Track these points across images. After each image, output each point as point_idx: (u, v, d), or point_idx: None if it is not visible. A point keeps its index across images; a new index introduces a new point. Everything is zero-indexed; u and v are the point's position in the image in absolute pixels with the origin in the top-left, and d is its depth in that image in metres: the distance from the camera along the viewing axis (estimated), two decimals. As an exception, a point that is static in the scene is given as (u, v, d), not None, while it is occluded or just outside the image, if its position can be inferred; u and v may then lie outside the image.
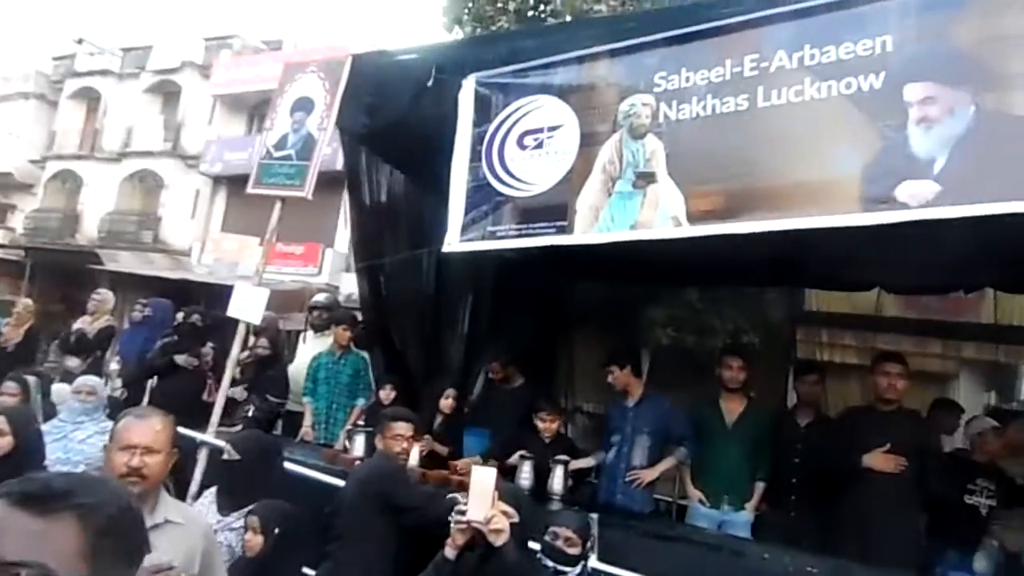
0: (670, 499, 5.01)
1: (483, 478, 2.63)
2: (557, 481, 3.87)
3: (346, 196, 5.48)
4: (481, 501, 2.58)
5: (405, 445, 3.55)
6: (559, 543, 2.77)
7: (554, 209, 3.62)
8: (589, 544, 2.88)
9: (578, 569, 2.78)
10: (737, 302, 8.93)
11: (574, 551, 2.76)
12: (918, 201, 2.80)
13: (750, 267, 6.01)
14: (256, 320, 4.36)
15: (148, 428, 2.10)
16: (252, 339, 5.47)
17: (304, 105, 4.45)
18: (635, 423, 4.25)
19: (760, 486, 4.11)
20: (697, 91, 3.33)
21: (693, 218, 3.26)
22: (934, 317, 7.56)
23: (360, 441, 4.28)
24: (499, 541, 2.55)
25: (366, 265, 5.32)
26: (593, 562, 3.07)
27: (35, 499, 1.00)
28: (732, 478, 4.15)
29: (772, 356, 7.80)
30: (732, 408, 4.21)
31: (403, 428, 3.56)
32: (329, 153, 4.62)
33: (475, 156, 3.89)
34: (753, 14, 3.26)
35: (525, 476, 3.92)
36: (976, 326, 7.14)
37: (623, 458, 4.23)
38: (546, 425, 4.28)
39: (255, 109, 20.38)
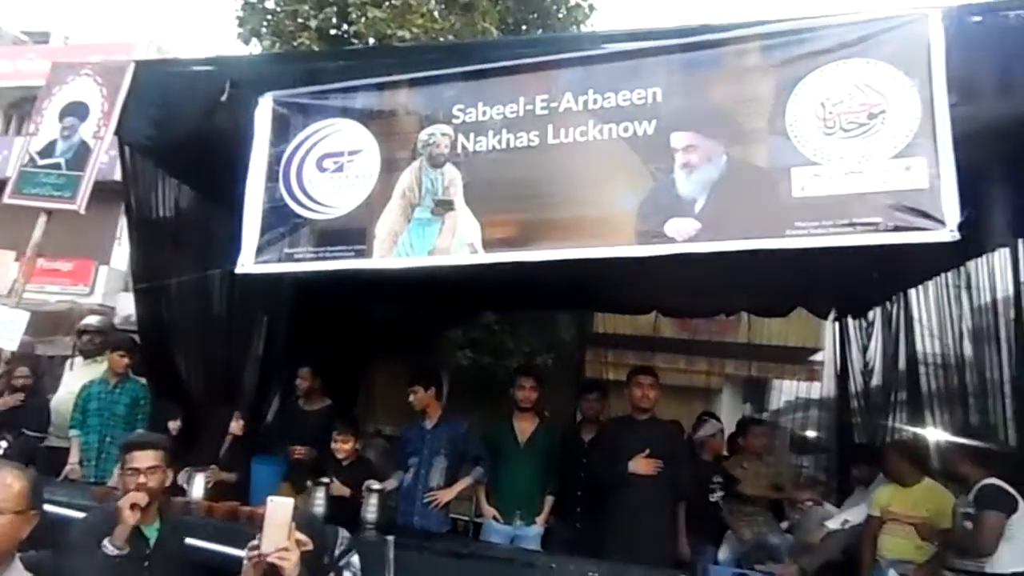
0: (467, 518, 5.12)
1: (278, 509, 2.54)
2: (370, 510, 3.82)
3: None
4: (275, 533, 2.50)
5: (143, 480, 2.81)
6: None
7: (353, 233, 3.62)
8: (337, 553, 2.87)
9: None
10: (532, 325, 9.38)
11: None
12: (683, 236, 3.15)
13: (544, 292, 6.38)
14: (12, 346, 3.89)
15: None
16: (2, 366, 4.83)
17: (76, 110, 4.07)
18: (432, 445, 4.32)
19: (549, 500, 4.34)
20: (493, 125, 3.51)
21: (488, 245, 3.42)
22: (701, 338, 8.46)
23: (199, 481, 3.95)
24: (294, 573, 2.48)
25: (147, 287, 4.93)
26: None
27: None
28: (524, 494, 4.35)
29: (564, 376, 8.28)
30: (524, 427, 4.42)
31: (142, 459, 2.84)
32: (106, 162, 4.26)
33: (272, 176, 3.79)
34: (544, 57, 3.51)
35: (319, 502, 3.83)
36: (735, 345, 8.10)
37: (420, 480, 4.28)
38: (338, 446, 4.24)
39: (13, 108, 18.14)
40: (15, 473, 1.94)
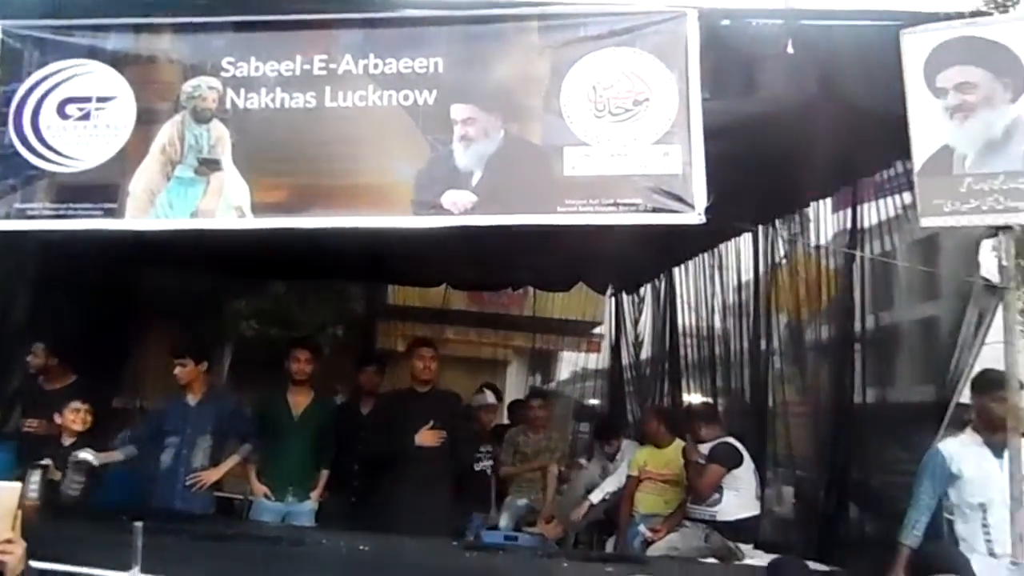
0: (241, 497, 4.86)
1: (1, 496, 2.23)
2: (72, 486, 3.48)
3: None
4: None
5: None
6: None
7: (102, 189, 3.25)
8: None
9: None
10: (322, 296, 9.10)
11: None
12: (459, 209, 3.16)
13: (335, 262, 6.19)
14: None
15: None
16: None
17: None
18: (196, 423, 4.02)
19: (324, 475, 4.23)
20: (266, 82, 3.29)
21: (258, 209, 3.22)
22: (490, 311, 8.69)
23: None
24: (19, 568, 2.20)
25: None
26: (136, 575, 2.85)
27: None
28: (297, 470, 4.19)
29: (356, 349, 8.13)
30: (299, 401, 4.25)
31: None
32: None
33: (0, 119, 3.29)
34: (324, 15, 3.34)
35: (32, 486, 3.39)
36: (522, 318, 8.41)
37: (182, 461, 3.96)
38: (67, 420, 3.84)
39: None
40: None
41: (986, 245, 3.29)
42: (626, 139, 3.13)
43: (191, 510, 3.91)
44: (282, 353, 4.46)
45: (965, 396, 3.44)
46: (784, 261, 4.99)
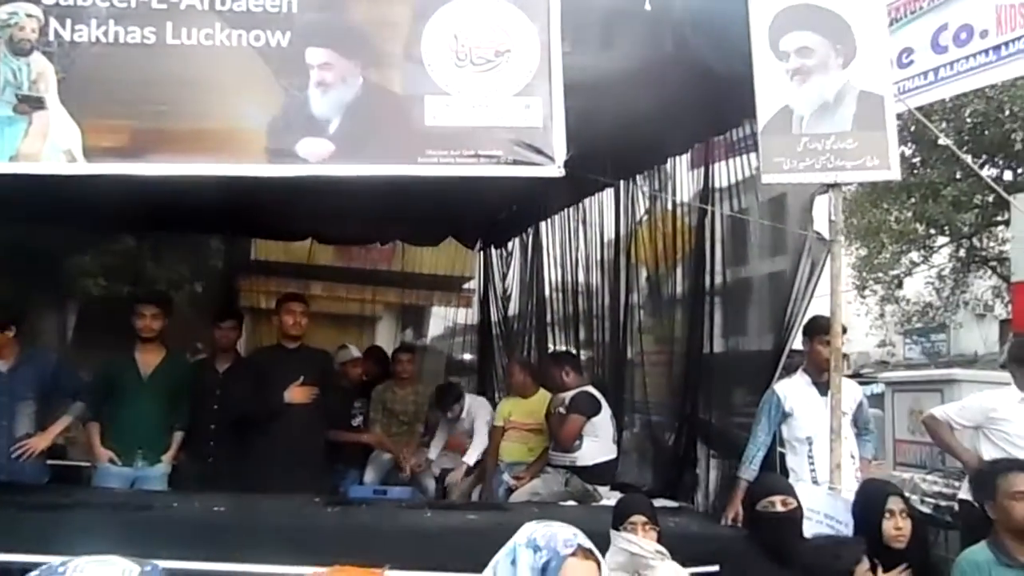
0: (87, 463, 4.56)
1: None
2: None
3: None
4: None
5: None
6: None
7: None
8: None
9: None
10: (180, 250, 8.60)
11: None
12: (316, 158, 3.04)
13: (192, 214, 5.84)
14: None
15: None
16: None
17: None
18: (14, 390, 3.70)
19: (177, 436, 4.03)
20: (97, 13, 3.00)
21: (91, 154, 2.96)
22: (358, 266, 8.51)
23: None
24: None
25: None
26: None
27: None
28: (148, 433, 3.96)
29: (217, 305, 7.75)
30: (148, 360, 4.00)
31: None
32: None
33: None
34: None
35: None
36: (392, 273, 8.29)
37: (2, 432, 3.65)
38: None
39: None
40: None
41: (819, 201, 3.54)
42: (487, 90, 3.10)
43: (22, 480, 3.62)
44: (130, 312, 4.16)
45: (799, 342, 3.73)
46: (645, 216, 5.18)
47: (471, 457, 4.84)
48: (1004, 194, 7.81)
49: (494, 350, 7.37)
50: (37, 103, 2.94)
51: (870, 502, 2.72)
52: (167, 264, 8.44)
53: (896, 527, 2.60)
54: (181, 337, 6.60)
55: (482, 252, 7.49)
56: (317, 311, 7.87)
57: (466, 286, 9.58)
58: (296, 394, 3.91)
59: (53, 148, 2.94)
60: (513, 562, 1.51)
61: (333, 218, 6.10)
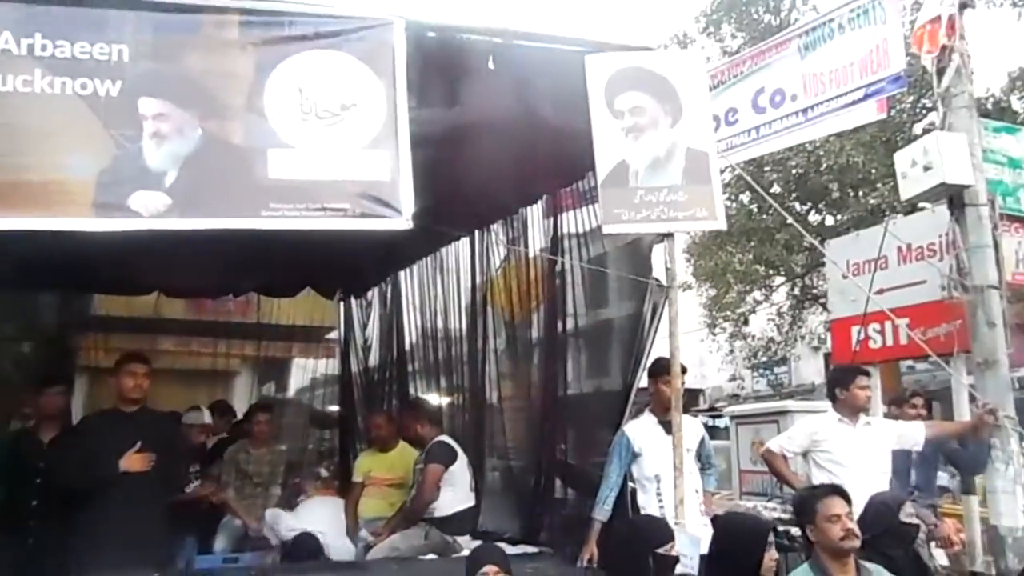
0: None
1: None
2: None
3: None
4: None
5: None
6: None
7: None
8: None
9: None
10: (7, 306, 7.85)
11: None
12: (150, 211, 2.90)
13: (22, 267, 5.36)
14: None
15: None
16: None
17: None
18: None
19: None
20: (-103, 55, 2.75)
21: None
22: (210, 318, 8.12)
23: None
24: None
25: None
26: None
27: None
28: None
29: (52, 366, 7.11)
30: (-43, 431, 3.63)
31: None
32: None
33: None
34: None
35: None
36: (248, 326, 7.96)
37: None
38: None
39: None
40: None
41: (657, 250, 3.77)
42: (333, 143, 3.10)
43: None
44: None
45: (644, 382, 3.91)
46: (502, 264, 5.29)
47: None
48: (815, 243, 8.62)
49: (355, 402, 7.22)
50: None
51: (754, 535, 2.69)
52: (-9, 324, 7.69)
53: (772, 558, 2.68)
54: (4, 404, 6.01)
55: (342, 302, 7.37)
56: (166, 367, 7.42)
57: (328, 336, 9.36)
58: (132, 462, 3.62)
59: None
60: None
61: (181, 270, 5.81)
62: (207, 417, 5.09)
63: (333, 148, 3.10)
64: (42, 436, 3.97)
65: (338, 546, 4.26)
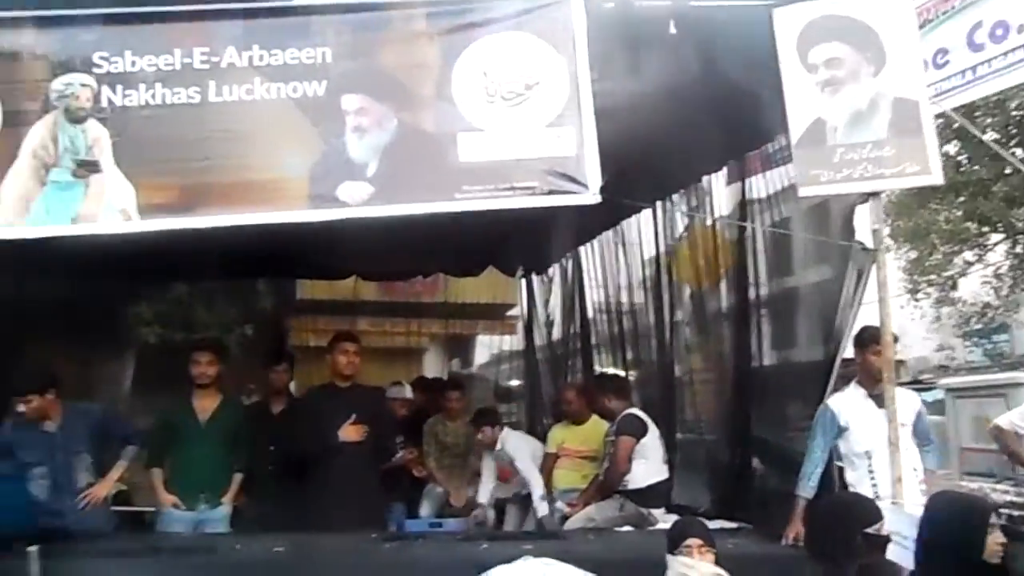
0: (150, 508, 4.69)
1: None
2: None
3: None
4: None
5: None
6: None
7: (-33, 197, 3.04)
8: None
9: None
10: (228, 295, 8.82)
11: None
12: (356, 200, 3.13)
13: (239, 259, 6.00)
14: None
15: None
16: None
17: None
18: (66, 446, 3.77)
19: (237, 478, 4.12)
20: (145, 78, 3.14)
21: (144, 211, 3.09)
22: (402, 299, 8.64)
23: None
24: None
25: None
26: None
27: None
28: (208, 476, 4.06)
29: (267, 347, 7.93)
30: (205, 405, 4.12)
31: None
32: None
33: None
34: (199, 6, 3.21)
35: None
36: (436, 305, 8.40)
37: (64, 487, 3.73)
38: None
39: None
40: None
41: (860, 210, 3.50)
42: (519, 123, 3.16)
43: (88, 529, 3.71)
44: (186, 358, 4.29)
45: (849, 352, 3.66)
46: (685, 234, 5.17)
47: (483, 495, 4.84)
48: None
49: (540, 376, 7.39)
50: (93, 167, 3.09)
51: (974, 515, 2.50)
52: (217, 309, 8.67)
53: (998, 541, 2.47)
54: (234, 380, 6.78)
55: (523, 279, 7.54)
56: (364, 346, 7.99)
57: (510, 313, 9.65)
58: (349, 432, 3.97)
59: (110, 208, 3.08)
60: None
61: (375, 255, 6.20)
62: (408, 392, 5.44)
63: (519, 128, 3.16)
64: (272, 409, 4.45)
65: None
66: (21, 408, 3.65)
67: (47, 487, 3.67)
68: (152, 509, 4.61)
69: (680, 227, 5.17)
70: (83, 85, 3.12)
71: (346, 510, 3.88)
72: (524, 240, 6.11)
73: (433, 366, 10.18)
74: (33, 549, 2.73)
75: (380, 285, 8.44)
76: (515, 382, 9.04)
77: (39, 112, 3.11)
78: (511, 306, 9.30)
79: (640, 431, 4.17)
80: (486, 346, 11.52)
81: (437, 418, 5.32)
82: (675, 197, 5.04)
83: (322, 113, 3.17)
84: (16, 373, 3.92)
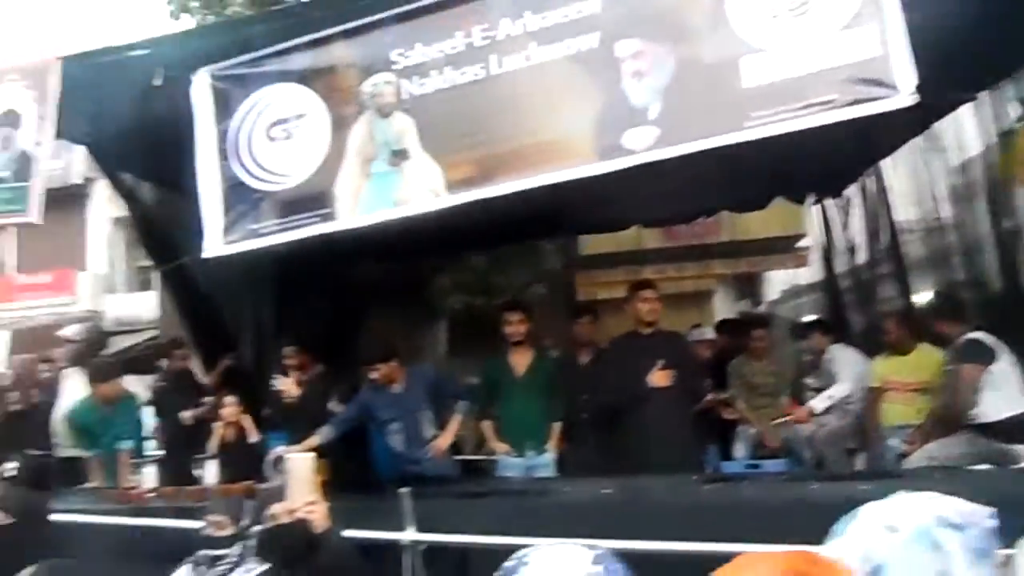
0: (481, 457, 5.21)
1: (298, 465, 2.61)
2: None
3: (92, 209, 5.01)
4: (300, 488, 2.57)
5: None
6: (209, 529, 3.07)
7: (315, 198, 3.56)
8: (244, 522, 3.11)
9: (237, 549, 3.02)
10: (518, 258, 9.36)
11: (224, 532, 3.05)
12: (642, 146, 3.11)
13: (523, 223, 6.34)
14: (-1, 367, 3.89)
15: None
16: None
17: (11, 120, 3.95)
18: (410, 405, 4.25)
19: (556, 427, 4.41)
20: (436, 65, 3.41)
21: (452, 187, 3.37)
22: (686, 243, 8.47)
23: (150, 472, 4.05)
24: (324, 526, 2.54)
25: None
26: (411, 534, 3.17)
27: None
28: (530, 425, 4.41)
29: (558, 303, 8.31)
30: (520, 361, 4.46)
31: None
32: (62, 167, 4.16)
33: (223, 155, 3.71)
34: (471, -12, 3.38)
35: None
36: (721, 245, 8.11)
37: (413, 441, 4.23)
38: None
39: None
40: None
41: None
42: (807, 34, 2.89)
43: (439, 474, 4.22)
44: (489, 320, 4.64)
45: None
46: (1018, 125, 4.37)
47: (820, 403, 4.55)
48: None
49: (844, 308, 6.80)
50: (404, 155, 3.44)
51: None
52: (510, 273, 9.24)
53: None
54: (536, 337, 7.23)
55: (816, 205, 6.96)
56: (655, 294, 8.03)
57: (800, 244, 9.01)
58: (658, 378, 4.02)
59: (422, 189, 3.41)
60: (935, 546, 1.18)
61: (656, 201, 6.14)
62: (709, 333, 5.36)
63: (808, 39, 2.89)
64: (580, 360, 4.66)
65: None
66: (373, 375, 4.23)
67: (402, 440, 4.23)
68: (480, 457, 5.12)
69: (1011, 118, 4.38)
70: (387, 83, 3.47)
71: (663, 454, 3.95)
72: (814, 163, 5.61)
73: (722, 308, 9.91)
74: (405, 491, 3.16)
75: (662, 231, 8.37)
76: (811, 316, 8.48)
77: (356, 114, 3.53)
78: (800, 236, 8.67)
79: (987, 357, 3.65)
80: (776, 282, 10.91)
81: (742, 359, 5.18)
82: (1003, 86, 4.27)
83: (598, 64, 3.18)
84: (364, 346, 4.56)
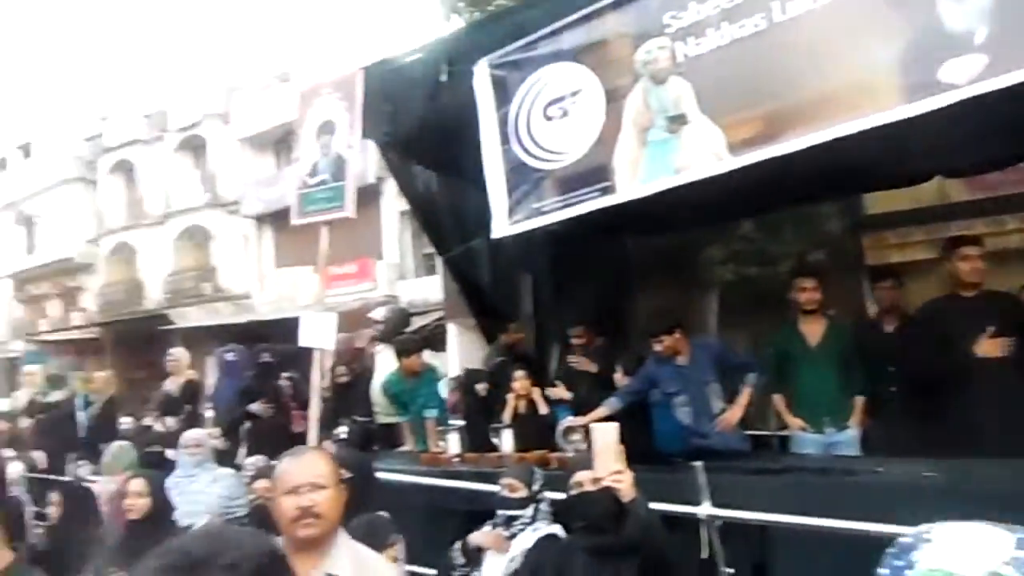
0: (771, 433, 4.94)
1: (603, 435, 2.62)
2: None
3: (384, 204, 5.59)
4: (606, 457, 2.58)
5: None
6: (504, 492, 3.25)
7: (594, 172, 3.60)
8: (535, 487, 3.27)
9: (530, 511, 3.20)
10: (793, 223, 8.71)
11: (518, 495, 3.22)
12: (966, 79, 2.68)
13: (799, 185, 5.85)
14: (330, 345, 4.48)
15: (308, 465, 1.99)
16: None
17: (328, 128, 4.52)
18: (697, 377, 4.13)
19: (860, 401, 4.01)
20: (711, 22, 3.25)
21: (734, 149, 3.20)
22: (1002, 193, 7.24)
23: (454, 439, 4.42)
24: (630, 495, 2.55)
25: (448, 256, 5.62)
26: (707, 509, 3.09)
27: (180, 570, 1.02)
28: (828, 399, 4.07)
29: (842, 269, 7.60)
30: (813, 330, 4.12)
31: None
32: (360, 168, 4.69)
33: (504, 139, 3.89)
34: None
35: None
36: (1050, 193, 6.78)
37: (702, 414, 4.11)
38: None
39: (279, 143, 20.69)
40: (318, 454, 2.19)
41: None
42: None
43: (731, 449, 4.07)
44: (763, 291, 4.34)
45: None
46: None
47: None
48: None
49: None
50: (682, 120, 3.33)
51: None
52: (787, 239, 8.65)
53: None
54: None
55: None
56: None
57: None
58: (987, 347, 3.47)
59: (703, 154, 3.28)
60: None
61: (963, 145, 5.32)
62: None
63: None
64: (885, 327, 4.21)
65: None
66: (657, 347, 4.20)
67: (689, 413, 4.15)
68: (771, 433, 4.85)
69: None
70: (660, 48, 3.38)
71: (996, 435, 3.41)
72: None
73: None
74: (698, 464, 3.09)
75: (969, 181, 7.26)
76: None
77: (630, 84, 3.49)
78: None
79: None
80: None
81: None
82: None
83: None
84: (648, 317, 4.53)
